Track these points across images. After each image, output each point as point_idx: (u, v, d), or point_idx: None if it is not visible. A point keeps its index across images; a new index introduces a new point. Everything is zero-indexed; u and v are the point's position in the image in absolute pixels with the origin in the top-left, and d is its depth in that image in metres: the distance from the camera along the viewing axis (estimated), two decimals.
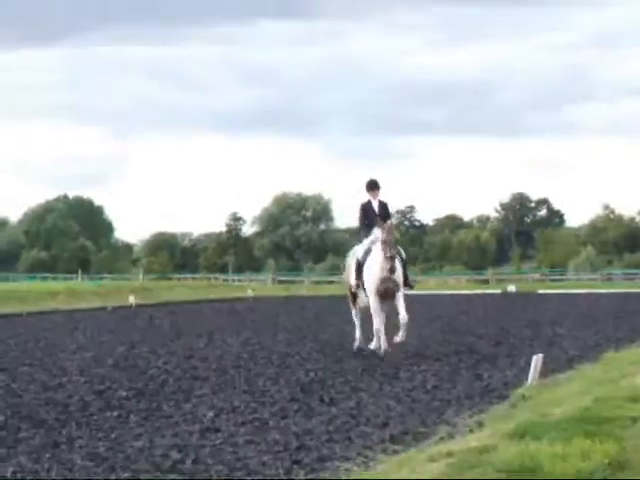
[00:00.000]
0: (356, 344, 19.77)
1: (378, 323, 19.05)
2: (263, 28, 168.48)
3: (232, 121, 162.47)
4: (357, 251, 19.92)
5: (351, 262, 20.21)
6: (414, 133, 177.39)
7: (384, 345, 19.28)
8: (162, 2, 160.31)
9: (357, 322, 20.54)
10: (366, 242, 19.49)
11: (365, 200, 20.01)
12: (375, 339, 19.48)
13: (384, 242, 18.71)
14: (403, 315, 19.14)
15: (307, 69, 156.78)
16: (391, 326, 20.38)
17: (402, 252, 20.03)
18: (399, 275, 19.12)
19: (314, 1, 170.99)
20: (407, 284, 20.13)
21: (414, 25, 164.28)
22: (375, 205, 19.75)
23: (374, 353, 19.06)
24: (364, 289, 19.32)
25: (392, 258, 18.69)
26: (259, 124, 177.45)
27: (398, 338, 19.14)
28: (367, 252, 19.26)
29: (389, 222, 19.34)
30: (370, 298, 18.86)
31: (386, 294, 18.90)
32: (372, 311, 19.12)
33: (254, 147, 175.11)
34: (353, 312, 20.72)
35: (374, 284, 18.77)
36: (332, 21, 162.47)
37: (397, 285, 19.07)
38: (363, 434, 11.42)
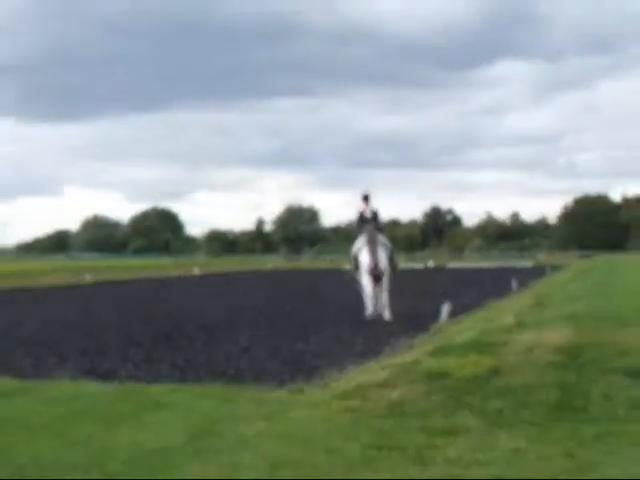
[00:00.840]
0: (367, 313, 17.61)
1: (369, 292, 17.59)
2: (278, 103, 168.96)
3: (259, 160, 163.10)
4: (355, 246, 18.31)
5: (352, 254, 18.59)
6: (369, 168, 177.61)
7: (371, 309, 17.54)
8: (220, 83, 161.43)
9: (365, 297, 18.12)
10: (360, 240, 17.94)
11: (361, 208, 18.29)
12: (370, 306, 17.63)
13: (369, 242, 17.45)
14: (385, 297, 17.67)
15: (307, 129, 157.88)
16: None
17: (388, 243, 18.44)
18: (383, 264, 17.55)
19: (312, 85, 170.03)
20: (393, 269, 18.40)
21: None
22: (367, 212, 18.11)
23: (372, 315, 17.36)
24: (361, 272, 17.82)
25: (374, 252, 17.36)
26: (277, 163, 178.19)
27: (385, 317, 17.31)
28: (360, 248, 17.81)
29: (369, 227, 17.62)
30: (364, 278, 17.56)
31: (374, 278, 17.44)
32: (365, 286, 17.75)
33: (274, 178, 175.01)
34: (363, 290, 18.24)
35: (366, 270, 17.48)
36: (322, 99, 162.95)
37: (381, 272, 17.43)
38: (340, 353, 11.40)
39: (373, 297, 17.62)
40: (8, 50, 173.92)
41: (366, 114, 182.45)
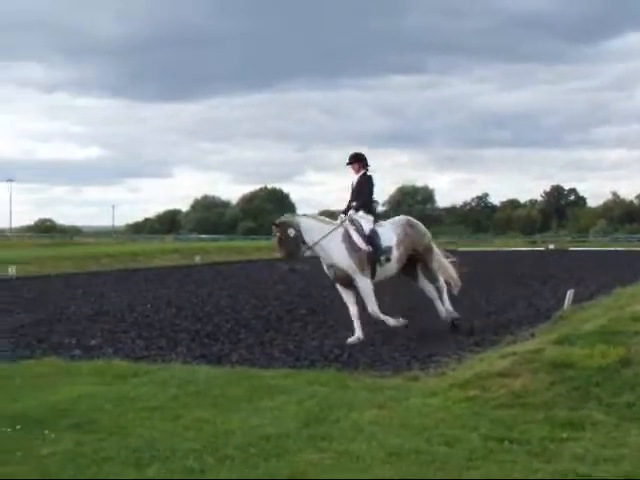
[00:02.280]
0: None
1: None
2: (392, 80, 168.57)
3: (372, 139, 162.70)
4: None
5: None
6: (486, 147, 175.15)
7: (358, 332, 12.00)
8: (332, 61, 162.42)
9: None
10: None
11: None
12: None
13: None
14: (355, 310, 12.35)
15: (421, 106, 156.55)
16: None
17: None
18: (340, 262, 12.22)
19: (428, 62, 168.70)
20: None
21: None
22: (354, 181, 12.95)
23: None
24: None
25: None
26: (391, 141, 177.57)
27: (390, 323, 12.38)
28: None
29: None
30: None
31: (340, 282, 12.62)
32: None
33: (388, 157, 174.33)
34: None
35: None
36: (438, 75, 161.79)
37: (341, 275, 12.33)
38: (457, 340, 11.32)
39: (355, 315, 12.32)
40: (119, 31, 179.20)
41: (484, 91, 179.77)
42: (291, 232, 12.33)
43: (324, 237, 12.29)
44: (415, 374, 8.84)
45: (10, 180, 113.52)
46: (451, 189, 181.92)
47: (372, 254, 12.32)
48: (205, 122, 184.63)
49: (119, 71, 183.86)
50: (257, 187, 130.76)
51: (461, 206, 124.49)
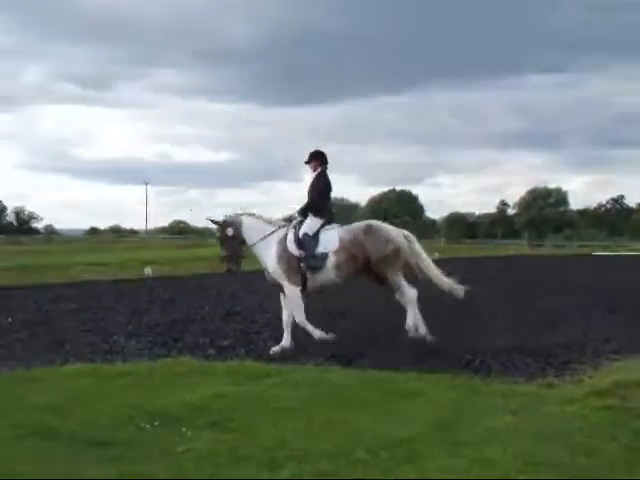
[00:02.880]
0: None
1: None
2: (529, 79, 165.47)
3: (504, 140, 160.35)
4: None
5: None
6: (623, 147, 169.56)
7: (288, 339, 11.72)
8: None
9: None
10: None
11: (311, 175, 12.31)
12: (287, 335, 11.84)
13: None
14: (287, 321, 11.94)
15: (557, 106, 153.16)
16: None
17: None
18: (270, 268, 11.89)
19: (567, 60, 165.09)
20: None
21: None
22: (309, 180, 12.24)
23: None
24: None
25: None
26: (524, 142, 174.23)
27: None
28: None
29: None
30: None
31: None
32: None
33: (520, 159, 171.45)
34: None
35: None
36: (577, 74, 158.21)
37: (272, 281, 12.01)
38: (593, 347, 10.98)
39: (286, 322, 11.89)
40: (247, 35, 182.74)
41: (625, 90, 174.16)
42: (229, 232, 12.14)
43: (262, 238, 11.98)
44: (549, 381, 8.63)
45: (146, 183, 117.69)
46: (585, 191, 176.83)
47: (302, 259, 11.72)
48: (334, 124, 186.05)
49: (250, 75, 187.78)
50: (386, 189, 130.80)
51: (595, 208, 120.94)
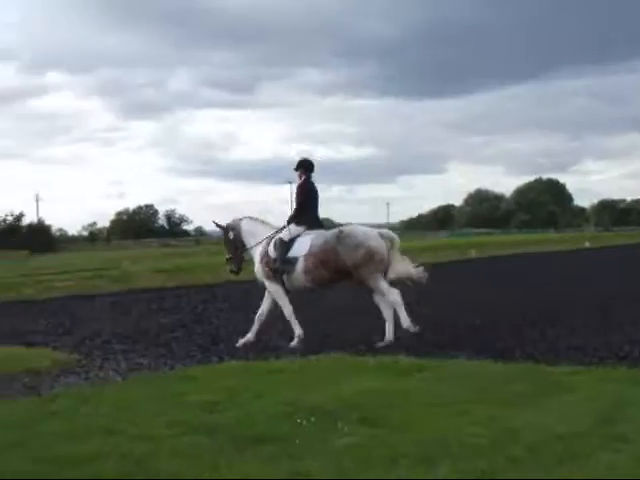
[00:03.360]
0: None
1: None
2: None
3: None
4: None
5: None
6: None
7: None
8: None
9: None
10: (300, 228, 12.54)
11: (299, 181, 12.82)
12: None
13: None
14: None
15: None
16: None
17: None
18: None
19: None
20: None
21: None
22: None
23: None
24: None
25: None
26: None
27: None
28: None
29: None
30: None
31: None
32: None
33: None
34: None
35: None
36: None
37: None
38: None
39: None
40: (385, 31, 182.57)
41: None
42: (230, 235, 13.23)
43: (258, 243, 12.79)
44: None
45: (290, 182, 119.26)
46: None
47: (273, 262, 12.36)
48: (474, 116, 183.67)
49: (388, 71, 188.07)
50: (531, 178, 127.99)
51: None
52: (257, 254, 12.76)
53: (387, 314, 12.00)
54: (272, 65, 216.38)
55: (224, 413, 7.14)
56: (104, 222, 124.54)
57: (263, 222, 13.12)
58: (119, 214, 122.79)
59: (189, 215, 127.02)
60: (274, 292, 12.60)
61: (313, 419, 6.62)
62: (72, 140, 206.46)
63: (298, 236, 12.36)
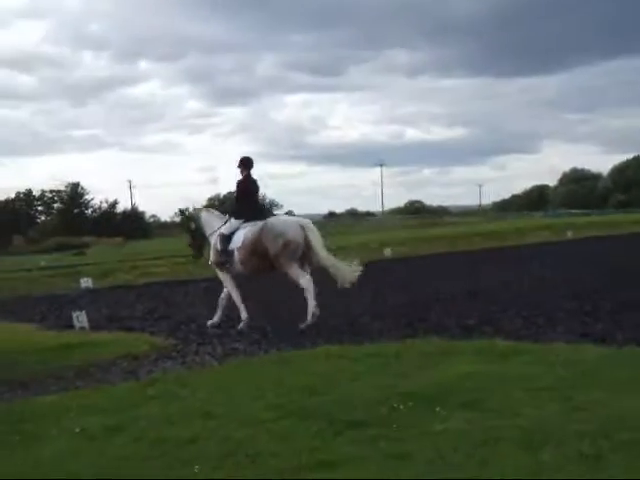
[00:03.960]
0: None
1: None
2: None
3: None
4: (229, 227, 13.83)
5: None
6: None
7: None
8: None
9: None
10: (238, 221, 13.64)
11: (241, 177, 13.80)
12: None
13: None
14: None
15: None
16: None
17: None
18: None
19: None
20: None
21: None
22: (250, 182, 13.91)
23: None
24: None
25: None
26: None
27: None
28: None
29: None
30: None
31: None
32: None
33: None
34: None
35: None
36: None
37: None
38: None
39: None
40: (475, 9, 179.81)
41: None
42: (191, 225, 14.61)
43: (211, 233, 13.94)
44: None
45: (381, 164, 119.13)
46: None
47: (218, 254, 13.55)
48: (568, 93, 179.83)
49: (478, 49, 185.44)
50: (629, 156, 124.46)
51: None
52: (212, 244, 13.89)
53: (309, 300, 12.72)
54: (360, 47, 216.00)
55: (321, 397, 7.17)
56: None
57: (219, 215, 14.32)
58: (211, 199, 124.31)
59: (279, 200, 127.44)
60: (223, 279, 13.85)
61: (411, 403, 6.59)
62: (163, 127, 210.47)
63: (238, 229, 13.44)
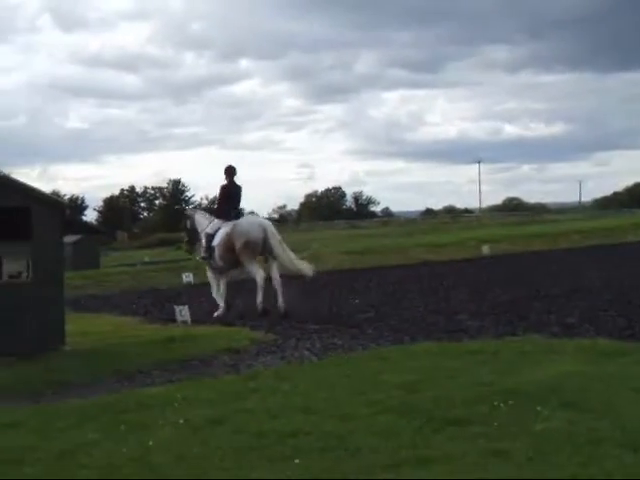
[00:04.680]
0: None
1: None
2: None
3: None
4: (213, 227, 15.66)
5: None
6: None
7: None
8: None
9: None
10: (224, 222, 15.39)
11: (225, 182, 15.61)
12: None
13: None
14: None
15: None
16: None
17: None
18: None
19: None
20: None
21: None
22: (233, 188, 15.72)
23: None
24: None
25: None
26: None
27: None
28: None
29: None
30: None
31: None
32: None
33: None
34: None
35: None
36: None
37: None
38: None
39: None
40: (578, 1, 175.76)
41: None
42: (187, 224, 16.17)
43: (201, 231, 15.48)
44: None
45: (479, 161, 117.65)
46: None
47: (204, 251, 15.30)
48: None
49: (579, 44, 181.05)
50: None
51: None
52: (202, 242, 15.45)
53: (277, 289, 14.61)
54: (457, 43, 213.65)
55: (420, 393, 7.16)
56: (293, 204, 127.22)
57: (208, 217, 15.94)
58: (308, 196, 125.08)
59: (376, 196, 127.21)
60: (209, 275, 15.62)
61: (511, 402, 6.51)
62: (263, 124, 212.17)
63: (219, 229, 15.02)
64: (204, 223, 15.62)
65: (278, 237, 14.89)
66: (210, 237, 15.08)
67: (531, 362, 8.33)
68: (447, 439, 5.72)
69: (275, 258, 14.77)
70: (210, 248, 15.04)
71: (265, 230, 14.72)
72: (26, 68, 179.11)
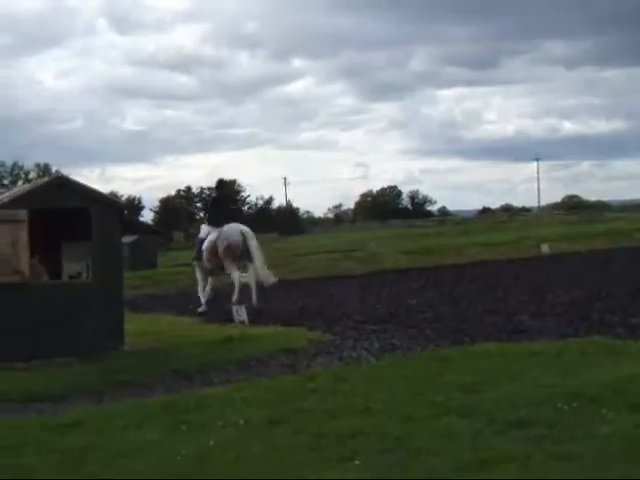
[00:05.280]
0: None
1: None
2: None
3: None
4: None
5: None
6: None
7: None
8: None
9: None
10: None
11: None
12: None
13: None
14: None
15: None
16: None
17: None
18: None
19: None
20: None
21: None
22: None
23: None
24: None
25: None
26: None
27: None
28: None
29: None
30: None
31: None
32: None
33: None
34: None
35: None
36: None
37: None
38: None
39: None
40: None
41: None
42: (201, 233, 17.49)
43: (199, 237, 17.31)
44: None
45: (537, 159, 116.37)
46: None
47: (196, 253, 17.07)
48: None
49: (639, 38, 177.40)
50: None
51: None
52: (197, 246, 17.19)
53: (251, 287, 16.19)
54: (515, 39, 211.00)
55: (481, 395, 7.10)
56: (349, 204, 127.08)
57: (205, 225, 17.44)
58: (364, 196, 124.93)
59: (432, 195, 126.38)
60: (197, 275, 17.11)
61: (575, 404, 6.42)
62: (317, 124, 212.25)
63: (209, 234, 16.48)
64: (203, 230, 17.31)
65: (255, 242, 16.49)
66: (201, 242, 16.81)
67: (594, 364, 8.19)
68: (509, 441, 5.66)
69: (251, 261, 16.21)
70: (200, 251, 16.72)
71: (244, 234, 16.28)
72: (83, 71, 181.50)
